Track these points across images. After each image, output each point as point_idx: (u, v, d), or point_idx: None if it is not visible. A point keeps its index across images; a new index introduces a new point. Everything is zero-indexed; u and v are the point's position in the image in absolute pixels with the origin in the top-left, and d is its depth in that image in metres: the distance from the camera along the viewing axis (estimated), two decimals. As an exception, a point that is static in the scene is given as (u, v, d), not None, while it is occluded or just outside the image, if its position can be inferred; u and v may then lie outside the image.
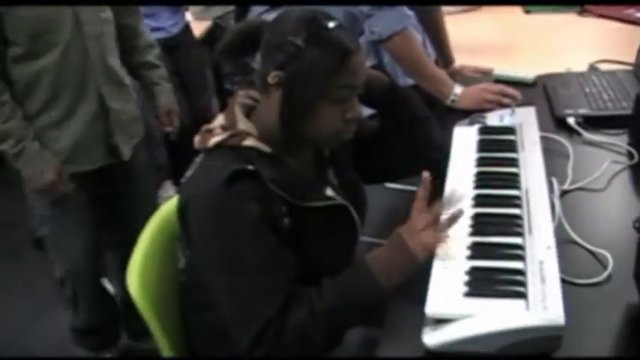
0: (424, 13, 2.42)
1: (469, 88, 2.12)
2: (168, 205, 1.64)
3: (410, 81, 2.24)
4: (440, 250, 1.30)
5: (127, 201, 2.37)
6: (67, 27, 1.99)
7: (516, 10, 3.29)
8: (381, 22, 2.06)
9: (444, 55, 2.49)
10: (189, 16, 3.45)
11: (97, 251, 2.35)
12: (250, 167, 1.31)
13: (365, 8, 2.07)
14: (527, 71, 2.32)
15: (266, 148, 1.37)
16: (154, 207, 2.38)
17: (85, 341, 2.48)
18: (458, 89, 2.10)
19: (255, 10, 2.30)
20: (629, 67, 2.28)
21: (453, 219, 1.33)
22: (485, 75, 2.37)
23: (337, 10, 2.06)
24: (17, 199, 2.23)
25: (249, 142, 1.36)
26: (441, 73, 2.17)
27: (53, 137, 2.07)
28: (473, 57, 2.51)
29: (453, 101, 2.10)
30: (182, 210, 1.37)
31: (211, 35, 3.92)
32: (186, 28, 3.29)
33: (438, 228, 1.31)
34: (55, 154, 2.07)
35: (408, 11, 2.13)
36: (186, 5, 3.40)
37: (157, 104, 2.43)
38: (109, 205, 2.36)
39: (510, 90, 2.09)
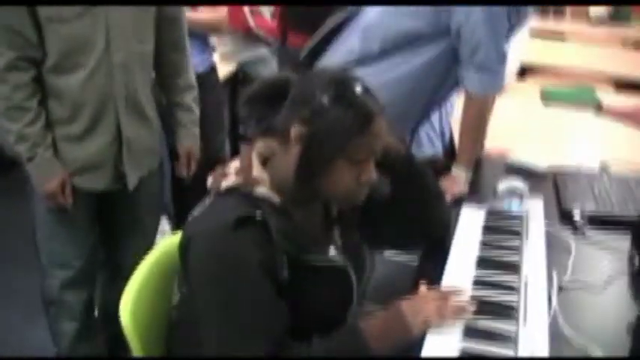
0: None
1: None
2: (170, 241, 1.66)
3: (428, 153, 2.27)
4: (434, 328, 1.31)
5: (126, 227, 2.36)
6: (96, 50, 2.01)
7: (535, 99, 3.35)
8: (476, 82, 2.10)
9: None
10: (216, 57, 3.48)
11: (93, 269, 2.34)
12: (258, 215, 1.32)
13: (466, 60, 2.09)
14: (539, 160, 2.34)
15: (276, 199, 1.39)
16: (150, 239, 2.41)
17: None
18: (465, 174, 2.13)
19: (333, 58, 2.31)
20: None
21: (460, 310, 1.35)
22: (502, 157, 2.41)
23: (437, 46, 2.11)
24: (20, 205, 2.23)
25: (260, 190, 1.38)
26: (475, 153, 2.20)
27: (68, 149, 2.10)
28: (489, 138, 2.54)
29: (453, 177, 2.12)
30: (184, 246, 1.38)
31: (234, 78, 3.98)
32: (212, 68, 3.33)
33: (443, 309, 1.32)
34: (66, 165, 2.10)
35: (502, 82, 2.16)
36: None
37: (180, 144, 2.41)
38: (107, 226, 2.35)
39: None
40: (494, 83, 2.12)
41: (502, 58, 2.09)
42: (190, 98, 2.40)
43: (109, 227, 2.37)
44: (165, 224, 3.45)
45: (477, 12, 2.02)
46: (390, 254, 2.26)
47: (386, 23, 2.17)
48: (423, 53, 2.14)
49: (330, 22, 2.33)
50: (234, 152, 4.07)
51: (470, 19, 2.03)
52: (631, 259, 1.78)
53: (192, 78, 2.42)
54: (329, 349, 1.30)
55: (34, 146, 2.02)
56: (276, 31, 3.87)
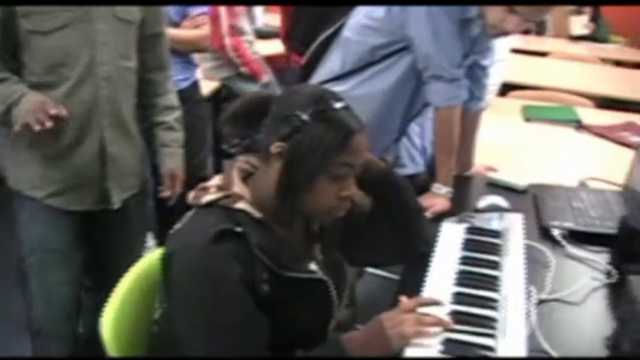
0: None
1: None
2: (152, 256, 1.66)
3: (409, 170, 2.29)
4: (414, 342, 1.32)
5: (112, 249, 2.32)
6: (80, 63, 1.99)
7: (516, 116, 3.39)
8: (435, 94, 2.13)
9: (462, 157, 2.42)
10: (199, 73, 3.50)
11: (80, 296, 2.30)
12: (238, 229, 1.33)
13: (425, 74, 2.12)
14: (519, 178, 2.37)
15: (257, 214, 1.39)
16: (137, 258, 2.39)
17: None
18: (445, 190, 2.15)
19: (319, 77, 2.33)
20: (618, 188, 2.33)
21: (439, 322, 1.37)
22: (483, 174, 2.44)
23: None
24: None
25: (241, 204, 1.39)
26: (451, 166, 2.21)
27: (53, 167, 2.06)
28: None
29: (434, 193, 2.15)
30: (166, 261, 1.38)
31: (217, 94, 4.00)
32: (195, 84, 3.34)
33: (422, 321, 1.33)
34: (48, 185, 2.06)
35: (462, 90, 2.17)
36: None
37: (163, 166, 2.37)
38: (93, 249, 2.31)
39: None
40: (453, 92, 2.13)
41: (454, 65, 2.11)
42: (172, 118, 2.38)
43: (96, 251, 2.33)
44: (150, 240, 3.44)
45: (421, 24, 2.06)
46: (372, 269, 2.27)
47: (356, 40, 2.20)
48: (393, 69, 2.18)
49: (320, 38, 2.36)
50: (218, 168, 4.09)
51: (416, 31, 2.08)
52: (608, 273, 1.81)
53: (174, 99, 2.40)
54: None
55: (11, 93, 1.93)
56: (253, 66, 4.04)
